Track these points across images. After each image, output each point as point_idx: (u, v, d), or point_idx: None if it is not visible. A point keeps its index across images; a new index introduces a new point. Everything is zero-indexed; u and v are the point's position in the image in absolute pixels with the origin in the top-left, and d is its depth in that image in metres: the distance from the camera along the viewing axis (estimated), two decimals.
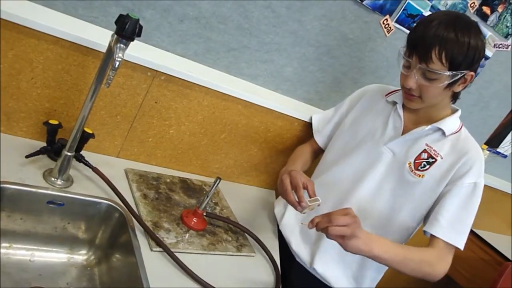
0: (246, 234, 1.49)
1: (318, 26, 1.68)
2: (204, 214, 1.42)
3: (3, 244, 1.22)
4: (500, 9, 2.01)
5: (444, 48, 1.20)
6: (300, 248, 1.55)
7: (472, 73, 1.26)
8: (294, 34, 1.66)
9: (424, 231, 1.35)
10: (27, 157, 1.27)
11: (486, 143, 2.61)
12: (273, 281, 1.37)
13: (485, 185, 2.56)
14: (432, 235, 1.32)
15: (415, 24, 1.30)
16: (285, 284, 1.50)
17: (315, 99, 1.89)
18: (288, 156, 1.86)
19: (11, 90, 1.30)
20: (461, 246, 1.31)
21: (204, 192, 1.63)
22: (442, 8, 1.87)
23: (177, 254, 1.22)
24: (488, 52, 2.14)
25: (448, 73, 1.22)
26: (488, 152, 2.62)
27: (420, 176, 1.36)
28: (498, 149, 2.69)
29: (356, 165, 1.47)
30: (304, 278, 1.55)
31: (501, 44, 2.13)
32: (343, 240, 1.15)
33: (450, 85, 1.26)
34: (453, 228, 1.31)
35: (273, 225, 1.67)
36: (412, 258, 1.26)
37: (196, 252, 1.31)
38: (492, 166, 2.76)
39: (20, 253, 1.24)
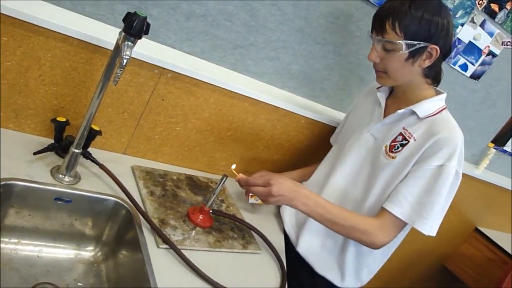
0: (252, 232, 1.49)
1: (325, 23, 1.68)
2: (211, 211, 1.42)
3: (12, 240, 1.24)
4: (508, 6, 2.00)
5: (397, 18, 1.26)
6: (290, 228, 1.61)
7: (436, 47, 1.28)
8: (300, 32, 1.66)
9: (383, 207, 1.35)
10: (35, 154, 1.28)
11: (493, 141, 2.60)
12: (279, 278, 1.38)
13: (491, 183, 2.59)
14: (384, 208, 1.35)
15: None
16: None
17: (321, 97, 1.89)
18: (293, 154, 1.87)
19: (19, 87, 1.31)
20: (424, 230, 1.30)
21: (210, 189, 1.64)
22: (450, 5, 1.86)
23: (183, 251, 1.23)
24: (496, 50, 2.13)
25: (403, 42, 1.26)
26: (494, 150, 2.61)
27: (392, 157, 1.37)
28: (505, 147, 2.67)
29: (337, 151, 1.56)
30: (294, 259, 1.56)
31: (509, 41, 2.12)
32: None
33: (411, 56, 1.29)
34: (414, 210, 1.31)
35: (279, 223, 1.67)
36: (342, 223, 1.33)
37: (202, 249, 1.31)
38: (498, 164, 2.75)
39: (28, 249, 1.26)
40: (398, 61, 1.30)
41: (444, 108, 1.40)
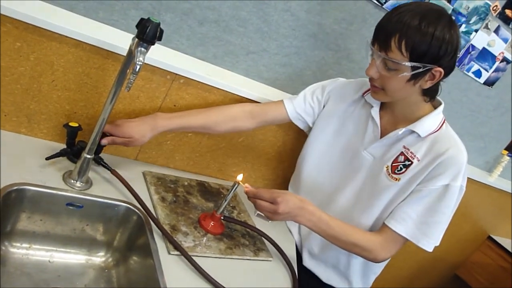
0: (264, 239, 1.48)
1: (338, 29, 1.67)
2: (222, 218, 1.41)
3: (23, 245, 1.24)
4: None
5: (405, 36, 1.14)
6: (297, 241, 1.61)
7: (440, 69, 1.18)
8: (313, 38, 1.65)
9: (385, 224, 1.35)
10: (47, 159, 1.28)
11: (506, 149, 2.57)
12: (290, 286, 1.36)
13: (504, 191, 2.56)
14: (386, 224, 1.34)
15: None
16: None
17: None
18: None
19: (32, 92, 1.31)
20: (428, 248, 1.31)
21: (222, 195, 1.63)
22: (463, 11, 1.84)
23: (194, 258, 1.22)
24: (510, 56, 2.11)
25: (408, 64, 1.16)
26: (508, 157, 2.58)
27: (396, 179, 1.34)
28: None
29: (339, 170, 1.47)
30: (302, 268, 1.56)
31: None
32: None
33: (414, 78, 1.20)
34: (419, 229, 1.30)
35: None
36: (344, 239, 1.33)
37: (213, 256, 1.30)
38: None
39: (40, 253, 1.26)
40: (399, 81, 1.21)
41: (444, 122, 1.36)
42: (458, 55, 1.23)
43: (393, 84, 1.23)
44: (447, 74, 1.22)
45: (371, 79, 1.28)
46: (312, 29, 1.63)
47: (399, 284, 2.82)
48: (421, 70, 1.17)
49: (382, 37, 1.18)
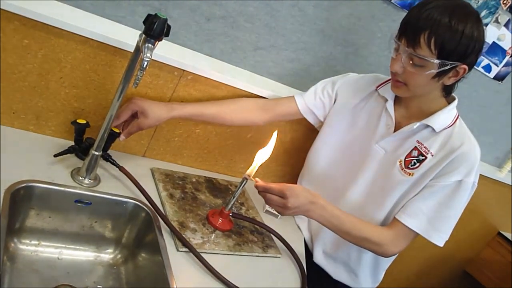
0: (272, 235, 1.48)
1: (346, 24, 1.66)
2: (230, 214, 1.41)
3: (32, 242, 1.24)
4: None
5: (435, 33, 1.13)
6: (307, 237, 1.60)
7: (465, 66, 1.19)
8: (321, 33, 1.64)
9: (396, 219, 1.34)
10: (55, 156, 1.28)
11: None
12: (299, 282, 1.36)
13: None
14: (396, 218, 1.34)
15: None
16: None
17: None
18: None
19: (40, 89, 1.31)
20: (439, 243, 1.31)
21: (230, 192, 1.63)
22: (474, 5, 1.82)
23: (203, 255, 1.22)
24: None
25: (436, 61, 1.16)
26: None
27: (410, 174, 1.34)
28: None
29: (350, 164, 1.46)
30: (312, 265, 1.56)
31: None
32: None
33: (438, 75, 1.20)
34: (431, 224, 1.30)
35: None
36: (357, 234, 1.32)
37: (222, 253, 1.30)
38: None
39: (49, 250, 1.26)
40: (424, 78, 1.21)
41: (458, 117, 1.35)
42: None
43: (418, 80, 1.23)
44: (469, 70, 1.22)
45: (393, 74, 1.27)
46: (320, 25, 1.62)
47: (407, 280, 2.81)
48: (447, 67, 1.17)
49: (410, 33, 1.18)
